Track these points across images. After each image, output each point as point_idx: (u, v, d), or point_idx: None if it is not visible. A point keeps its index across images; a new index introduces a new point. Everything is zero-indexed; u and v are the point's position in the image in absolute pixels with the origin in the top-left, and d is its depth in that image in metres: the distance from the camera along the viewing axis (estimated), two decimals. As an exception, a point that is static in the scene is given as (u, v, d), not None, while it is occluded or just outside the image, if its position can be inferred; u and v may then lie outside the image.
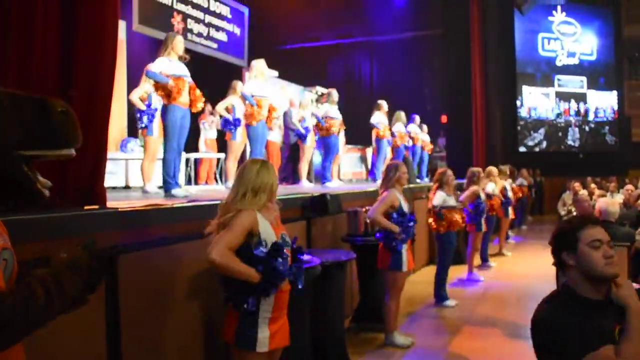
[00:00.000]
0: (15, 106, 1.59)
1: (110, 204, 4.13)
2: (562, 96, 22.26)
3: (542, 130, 22.07)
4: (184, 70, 6.15)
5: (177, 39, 6.23)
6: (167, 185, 6.01)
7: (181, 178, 8.83)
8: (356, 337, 6.09)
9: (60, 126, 1.63)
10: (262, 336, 3.11)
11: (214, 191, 7.60)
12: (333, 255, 5.08)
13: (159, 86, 5.96)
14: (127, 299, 3.46)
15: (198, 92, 6.13)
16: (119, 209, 3.86)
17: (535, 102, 22.04)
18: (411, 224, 5.68)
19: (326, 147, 9.75)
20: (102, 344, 3.33)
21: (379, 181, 6.44)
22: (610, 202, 6.16)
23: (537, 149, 21.95)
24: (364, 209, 6.27)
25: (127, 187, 8.87)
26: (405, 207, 5.77)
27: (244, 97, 7.66)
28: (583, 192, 9.93)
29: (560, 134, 22.27)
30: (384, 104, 11.40)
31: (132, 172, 8.91)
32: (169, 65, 6.07)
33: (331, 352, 4.91)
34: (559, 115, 22.23)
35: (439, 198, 7.42)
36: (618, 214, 6.00)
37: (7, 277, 1.62)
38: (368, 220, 6.01)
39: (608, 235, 2.45)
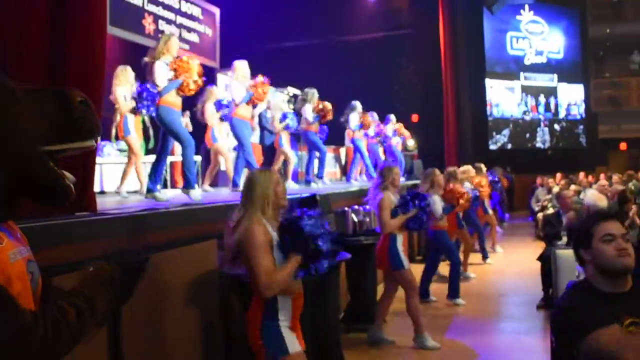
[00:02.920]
0: (33, 100, 1.51)
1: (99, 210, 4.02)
2: (530, 91, 21.72)
3: (506, 131, 21.28)
4: None
5: (172, 40, 6.13)
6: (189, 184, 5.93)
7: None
8: (346, 337, 6.04)
9: (82, 116, 1.55)
10: (290, 340, 3.09)
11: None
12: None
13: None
14: (128, 306, 3.35)
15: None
16: (114, 215, 3.76)
17: (498, 97, 21.26)
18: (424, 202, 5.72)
19: (309, 147, 9.81)
20: (104, 349, 3.25)
21: (372, 181, 6.38)
22: (598, 196, 6.22)
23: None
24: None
25: (102, 193, 8.66)
26: None
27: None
28: (564, 189, 10.06)
29: (527, 135, 21.65)
30: (358, 105, 11.38)
31: (107, 177, 8.70)
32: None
33: (328, 354, 4.84)
34: (525, 112, 21.77)
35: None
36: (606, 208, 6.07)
37: (33, 290, 1.54)
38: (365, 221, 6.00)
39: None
